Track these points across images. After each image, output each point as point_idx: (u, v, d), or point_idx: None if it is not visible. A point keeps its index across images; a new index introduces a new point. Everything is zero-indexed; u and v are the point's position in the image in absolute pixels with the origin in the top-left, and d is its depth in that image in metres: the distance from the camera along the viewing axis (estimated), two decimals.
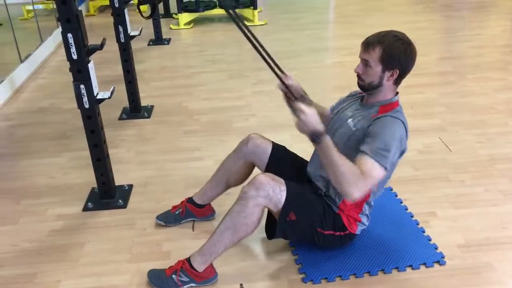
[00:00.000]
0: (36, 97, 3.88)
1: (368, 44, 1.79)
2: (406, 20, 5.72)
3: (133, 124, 3.36)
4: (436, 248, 2.06)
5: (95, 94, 2.24)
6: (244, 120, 3.33)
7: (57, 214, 2.41)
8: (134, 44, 5.01)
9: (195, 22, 5.85)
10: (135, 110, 3.47)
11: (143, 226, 2.30)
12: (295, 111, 1.65)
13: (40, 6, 5.54)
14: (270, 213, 1.98)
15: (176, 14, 5.74)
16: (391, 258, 2.01)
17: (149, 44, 5.12)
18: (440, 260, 1.99)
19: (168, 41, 5.18)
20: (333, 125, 1.98)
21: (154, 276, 1.91)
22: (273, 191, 1.81)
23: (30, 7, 4.97)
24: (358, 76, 1.85)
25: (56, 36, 5.00)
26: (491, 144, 2.87)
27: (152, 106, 3.59)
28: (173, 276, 1.87)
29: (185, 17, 5.67)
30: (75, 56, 2.13)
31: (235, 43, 5.07)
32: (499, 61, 4.25)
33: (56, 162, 2.90)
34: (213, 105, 3.61)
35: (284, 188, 1.84)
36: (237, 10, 5.84)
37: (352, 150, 1.79)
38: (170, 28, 5.67)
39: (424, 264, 1.98)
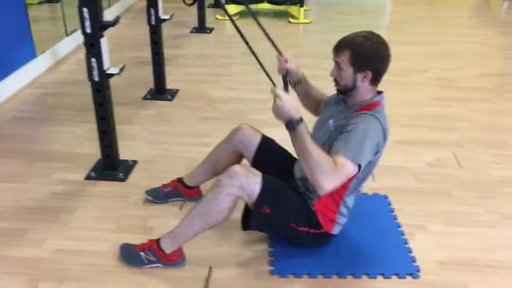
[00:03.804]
0: (74, 70, 4.08)
1: (338, 47, 1.79)
2: (458, 32, 5.51)
3: (154, 105, 3.47)
4: (414, 261, 2.01)
5: (105, 69, 2.35)
6: (261, 113, 3.35)
7: (61, 179, 2.55)
8: (177, 30, 5.21)
9: (242, 14, 5.90)
10: (160, 92, 3.58)
11: (135, 201, 2.39)
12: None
13: None
14: (247, 205, 2.00)
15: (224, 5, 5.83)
16: (364, 263, 1.99)
17: (191, 32, 5.23)
18: (414, 273, 1.95)
19: (211, 30, 5.28)
20: (319, 126, 1.99)
21: (125, 250, 1.98)
22: (247, 182, 1.83)
23: None
24: (334, 79, 1.85)
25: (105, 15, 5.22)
26: (506, 166, 2.75)
27: (177, 90, 3.69)
28: (141, 253, 1.94)
29: (231, 9, 5.73)
30: (88, 30, 2.25)
31: (276, 39, 5.02)
32: None
33: (74, 131, 3.06)
34: (235, 95, 3.66)
35: (258, 180, 1.85)
36: (283, 7, 5.86)
37: (330, 149, 1.79)
38: (216, 18, 5.77)
39: (397, 274, 1.94)
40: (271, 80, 1.94)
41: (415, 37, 5.23)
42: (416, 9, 6.53)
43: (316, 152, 1.62)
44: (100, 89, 2.40)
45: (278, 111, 1.64)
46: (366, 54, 1.75)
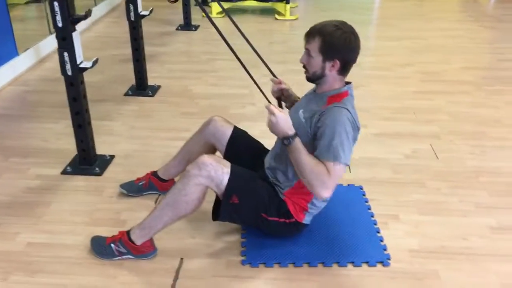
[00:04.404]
0: (57, 67, 4.02)
1: (309, 34, 1.80)
2: (444, 27, 5.53)
3: (135, 101, 3.46)
4: (385, 250, 2.02)
5: (78, 63, 2.34)
6: (241, 108, 3.36)
7: (37, 174, 2.55)
8: (162, 28, 5.21)
9: (228, 11, 5.92)
10: (141, 88, 3.57)
11: (110, 195, 2.38)
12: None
13: None
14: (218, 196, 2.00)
15: (211, 2, 5.84)
16: (335, 252, 2.00)
17: (177, 29, 5.23)
18: (384, 261, 1.95)
19: (196, 27, 5.28)
20: (290, 115, 1.99)
21: (96, 242, 1.98)
22: (215, 172, 1.83)
23: None
24: (304, 66, 1.86)
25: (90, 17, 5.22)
26: (483, 157, 2.76)
27: (159, 86, 3.68)
28: (112, 245, 1.94)
29: (218, 6, 5.74)
30: (60, 24, 2.24)
31: (261, 35, 5.07)
32: None
33: (53, 127, 3.05)
34: (217, 91, 3.66)
35: (227, 170, 1.85)
36: (269, 3, 5.86)
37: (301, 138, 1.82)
38: (203, 16, 5.74)
39: (367, 262, 1.95)
40: (265, 96, 2.04)
41: (401, 33, 5.25)
42: (405, 5, 6.55)
43: (310, 164, 1.72)
44: (74, 83, 2.39)
45: (272, 128, 1.74)
46: (335, 43, 1.76)
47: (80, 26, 2.32)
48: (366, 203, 2.32)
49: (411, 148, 2.83)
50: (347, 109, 1.79)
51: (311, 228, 2.07)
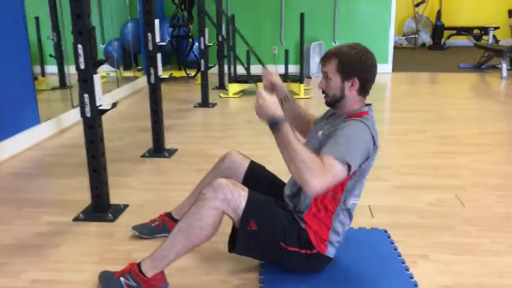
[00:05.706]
0: (77, 137, 4.13)
1: (325, 57, 1.82)
2: (456, 102, 5.58)
3: (151, 161, 3.46)
4: (416, 286, 1.85)
5: (97, 105, 2.38)
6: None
7: (49, 221, 2.48)
8: (181, 106, 5.35)
9: (245, 93, 6.10)
10: (158, 150, 3.58)
11: (121, 238, 2.29)
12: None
13: (111, 74, 6.12)
14: (234, 226, 1.90)
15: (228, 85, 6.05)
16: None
17: (195, 106, 5.37)
18: None
19: (214, 105, 5.41)
20: (309, 140, 1.95)
21: (104, 277, 1.87)
22: (232, 194, 1.76)
23: (105, 73, 5.58)
24: (323, 92, 1.85)
25: (113, 95, 5.43)
26: None
27: (176, 150, 3.69)
28: (121, 278, 1.81)
29: (234, 87, 5.94)
30: (82, 66, 2.31)
31: None
32: None
33: (68, 182, 3.03)
34: None
35: (244, 193, 1.78)
36: (285, 84, 6.04)
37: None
38: (220, 96, 5.94)
39: None
40: (260, 62, 1.98)
41: (413, 106, 5.30)
42: (415, 87, 6.70)
43: (302, 151, 1.60)
44: (92, 126, 2.41)
45: (261, 111, 1.65)
46: (352, 62, 1.77)
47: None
48: (392, 244, 2.18)
49: (435, 198, 2.72)
50: (365, 124, 1.75)
51: (334, 264, 1.93)
